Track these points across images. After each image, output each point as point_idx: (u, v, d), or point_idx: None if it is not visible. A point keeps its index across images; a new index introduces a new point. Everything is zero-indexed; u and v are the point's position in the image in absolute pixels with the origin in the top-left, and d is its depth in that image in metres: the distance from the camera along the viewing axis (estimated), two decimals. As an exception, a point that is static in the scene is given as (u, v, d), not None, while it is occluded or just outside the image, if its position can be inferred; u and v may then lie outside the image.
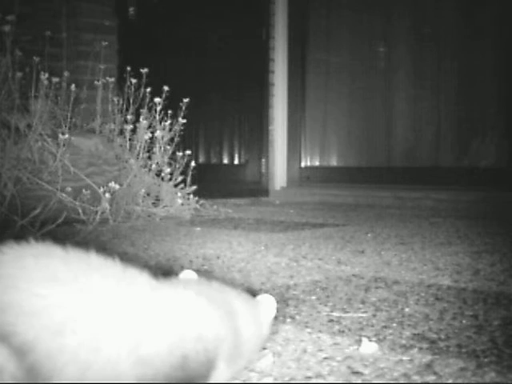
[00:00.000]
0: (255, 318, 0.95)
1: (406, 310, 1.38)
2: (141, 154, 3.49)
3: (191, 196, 3.68)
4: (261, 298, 1.00)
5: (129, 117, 3.52)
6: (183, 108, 3.65)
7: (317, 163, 5.42)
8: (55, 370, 0.71)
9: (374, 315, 1.33)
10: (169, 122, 3.59)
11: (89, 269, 0.78)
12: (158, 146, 3.55)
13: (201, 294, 0.86)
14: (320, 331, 1.21)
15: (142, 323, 0.76)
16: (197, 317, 0.82)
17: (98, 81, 3.63)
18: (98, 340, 0.73)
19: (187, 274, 1.00)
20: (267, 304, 0.99)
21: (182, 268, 1.85)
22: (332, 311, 1.37)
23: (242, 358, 0.90)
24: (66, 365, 0.71)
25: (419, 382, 0.93)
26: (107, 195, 2.93)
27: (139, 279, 0.82)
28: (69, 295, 0.73)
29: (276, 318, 1.28)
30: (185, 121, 3.66)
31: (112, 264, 0.81)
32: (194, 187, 3.69)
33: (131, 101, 3.59)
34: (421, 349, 1.09)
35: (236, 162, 5.15)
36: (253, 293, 1.04)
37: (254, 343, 0.94)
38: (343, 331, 1.21)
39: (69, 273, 0.75)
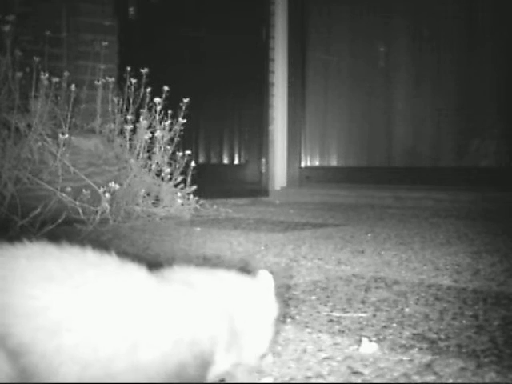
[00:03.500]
0: (253, 296, 0.92)
1: (406, 310, 1.38)
2: (141, 154, 3.49)
3: (191, 196, 3.68)
4: (257, 274, 0.97)
5: (129, 117, 3.51)
6: (183, 108, 3.65)
7: (317, 163, 5.42)
8: (51, 371, 0.71)
9: (374, 315, 1.33)
10: (169, 121, 3.59)
11: (83, 267, 0.77)
12: (158, 146, 3.55)
13: (195, 287, 0.85)
14: (320, 331, 1.21)
15: (138, 326, 0.75)
16: (191, 317, 0.81)
17: (98, 81, 3.63)
18: (93, 341, 0.72)
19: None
20: (264, 280, 0.97)
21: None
22: (332, 311, 1.37)
23: (242, 341, 0.88)
24: (61, 365, 0.71)
25: (419, 382, 0.93)
26: (107, 195, 2.93)
27: (134, 277, 0.80)
28: (64, 295, 0.73)
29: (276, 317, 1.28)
30: (185, 121, 3.66)
31: (107, 261, 0.80)
32: (194, 187, 3.69)
33: (131, 101, 3.59)
34: (421, 349, 1.09)
35: (236, 162, 5.14)
36: (248, 271, 1.03)
37: (255, 322, 0.91)
38: (343, 331, 1.21)
39: (63, 272, 0.75)
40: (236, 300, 0.89)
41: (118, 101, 3.60)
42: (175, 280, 0.87)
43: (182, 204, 3.56)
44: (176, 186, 3.63)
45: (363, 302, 1.44)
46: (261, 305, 0.93)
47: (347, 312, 1.36)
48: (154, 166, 3.54)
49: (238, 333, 0.87)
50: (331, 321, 1.29)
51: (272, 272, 1.82)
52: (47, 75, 3.10)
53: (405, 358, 1.03)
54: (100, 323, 0.73)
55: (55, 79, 3.15)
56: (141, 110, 3.56)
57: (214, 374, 0.85)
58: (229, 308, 0.86)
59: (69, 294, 0.73)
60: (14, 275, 0.73)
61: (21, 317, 0.71)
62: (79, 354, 0.71)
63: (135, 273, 0.81)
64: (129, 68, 3.58)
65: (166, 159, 3.60)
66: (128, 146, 3.51)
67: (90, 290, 0.74)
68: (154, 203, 3.49)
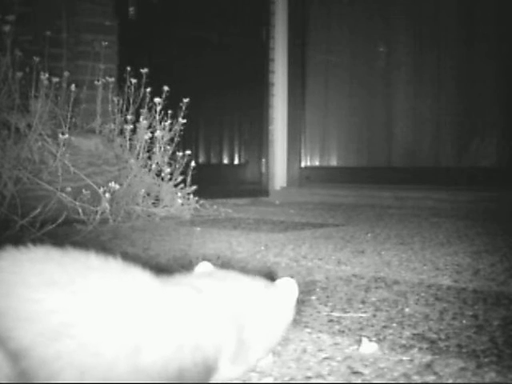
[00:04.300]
0: (271, 304, 0.91)
1: (406, 310, 1.38)
2: (141, 154, 3.49)
3: (191, 196, 3.68)
4: (280, 282, 0.96)
5: (129, 117, 3.51)
6: (183, 108, 3.65)
7: (317, 163, 5.42)
8: (51, 375, 0.70)
9: (374, 315, 1.33)
10: (169, 121, 3.59)
11: (86, 271, 0.76)
12: (157, 146, 3.55)
13: (204, 291, 0.83)
14: (320, 331, 1.21)
15: (139, 330, 0.75)
16: (196, 322, 0.80)
17: (98, 81, 3.63)
18: (94, 345, 0.72)
19: (204, 266, 0.97)
20: (287, 288, 0.95)
21: (183, 268, 1.85)
22: (332, 311, 1.37)
23: (250, 352, 0.87)
24: (62, 369, 0.70)
25: (419, 381, 0.93)
26: (107, 195, 2.93)
27: (138, 280, 0.79)
28: (65, 299, 0.72)
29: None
30: (185, 121, 3.66)
31: (110, 264, 0.79)
32: (194, 187, 3.69)
33: (131, 101, 3.59)
34: (421, 349, 1.09)
35: (236, 162, 5.14)
36: (272, 278, 1.02)
37: (269, 331, 0.90)
38: (343, 331, 1.21)
39: (66, 276, 0.74)
40: (250, 308, 0.87)
41: (118, 101, 3.60)
42: (183, 284, 0.85)
43: (182, 204, 3.56)
44: (176, 186, 3.63)
45: (363, 302, 1.45)
46: (277, 315, 0.91)
47: (347, 312, 1.36)
48: (154, 166, 3.54)
49: (246, 342, 0.85)
50: (331, 321, 1.29)
51: (272, 272, 1.82)
52: (47, 75, 3.10)
53: (405, 358, 1.04)
54: (101, 328, 0.73)
55: (55, 79, 3.15)
56: (141, 110, 3.56)
57: (217, 380, 0.84)
58: (239, 316, 0.85)
59: (71, 299, 0.72)
60: (16, 279, 0.73)
61: (22, 321, 0.70)
62: (79, 359, 0.71)
63: (138, 277, 0.80)
64: (129, 68, 3.57)
65: (166, 159, 3.60)
66: (128, 145, 3.51)
67: (92, 295, 0.74)
68: (153, 203, 3.49)
